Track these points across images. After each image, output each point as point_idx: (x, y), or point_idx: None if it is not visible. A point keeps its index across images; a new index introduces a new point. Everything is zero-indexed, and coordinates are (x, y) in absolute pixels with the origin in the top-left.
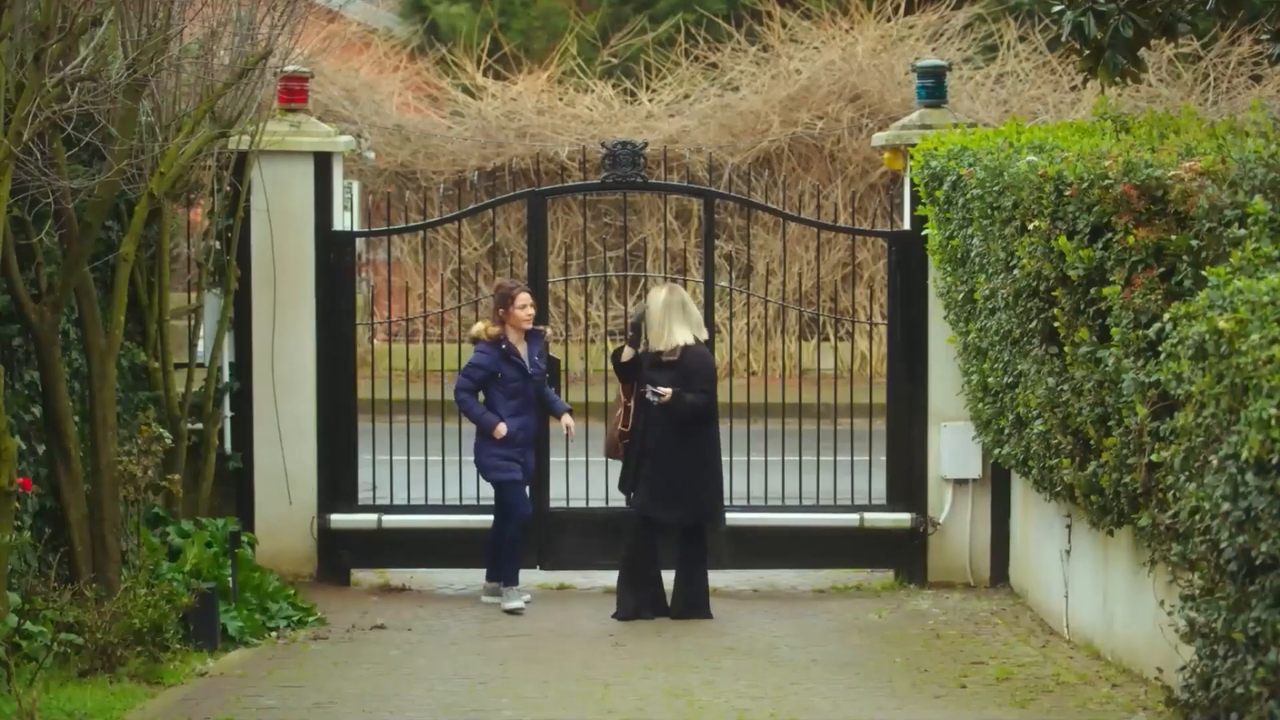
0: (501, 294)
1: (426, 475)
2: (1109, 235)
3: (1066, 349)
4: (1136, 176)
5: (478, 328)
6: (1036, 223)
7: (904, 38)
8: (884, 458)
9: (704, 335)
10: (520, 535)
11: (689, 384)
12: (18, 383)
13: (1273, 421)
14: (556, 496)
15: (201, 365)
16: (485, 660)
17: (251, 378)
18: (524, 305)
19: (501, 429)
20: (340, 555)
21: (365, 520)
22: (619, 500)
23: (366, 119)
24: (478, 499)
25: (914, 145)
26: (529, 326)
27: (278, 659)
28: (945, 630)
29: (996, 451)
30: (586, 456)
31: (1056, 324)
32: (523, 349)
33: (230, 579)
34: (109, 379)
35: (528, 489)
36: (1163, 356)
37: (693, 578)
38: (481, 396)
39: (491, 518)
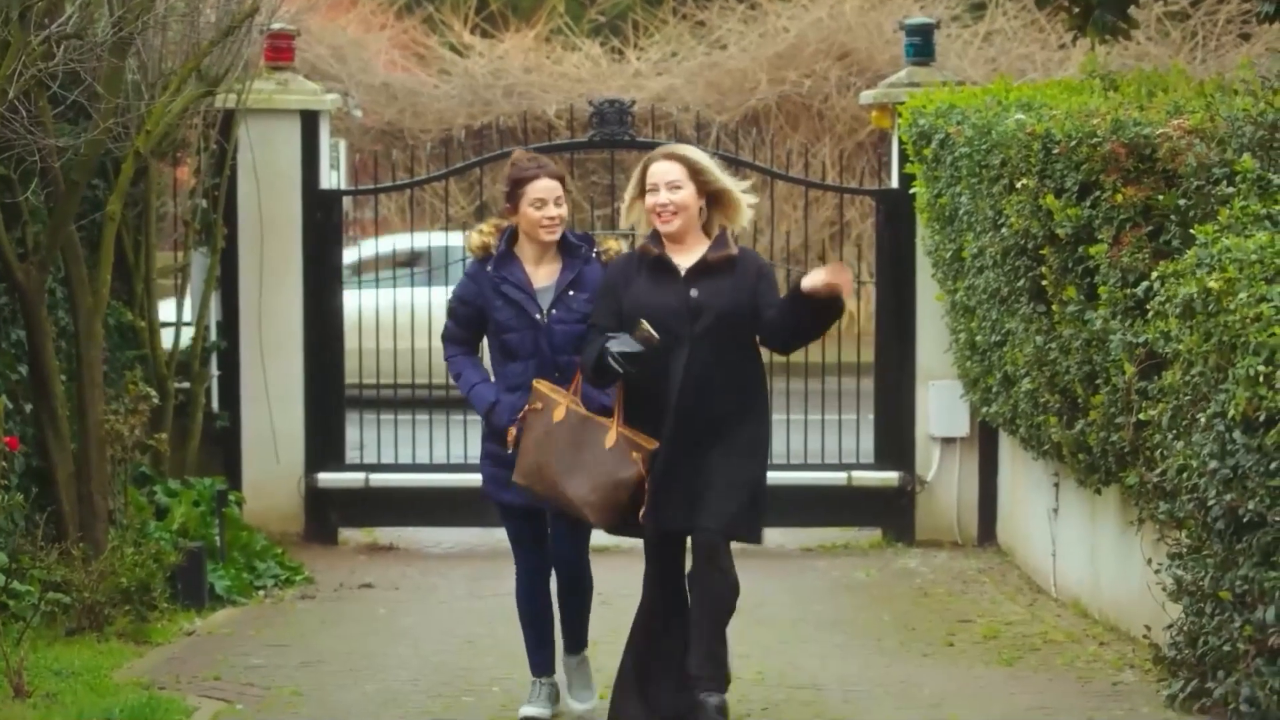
0: (512, 175)
1: (414, 434)
2: (1097, 193)
3: (1054, 307)
4: (1125, 135)
5: (473, 237)
6: (1024, 181)
7: None
8: (871, 416)
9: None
10: (535, 593)
11: (761, 296)
12: (4, 342)
13: (1260, 379)
14: None
15: (188, 324)
16: (473, 620)
17: (239, 336)
18: (543, 200)
19: (503, 414)
20: (328, 514)
21: (353, 479)
22: None
23: (353, 77)
24: (465, 458)
25: (902, 103)
26: (551, 237)
27: (265, 618)
28: (933, 589)
29: (984, 410)
30: None
31: (1044, 282)
32: (542, 277)
33: (218, 538)
34: (96, 338)
35: (548, 523)
36: (1150, 315)
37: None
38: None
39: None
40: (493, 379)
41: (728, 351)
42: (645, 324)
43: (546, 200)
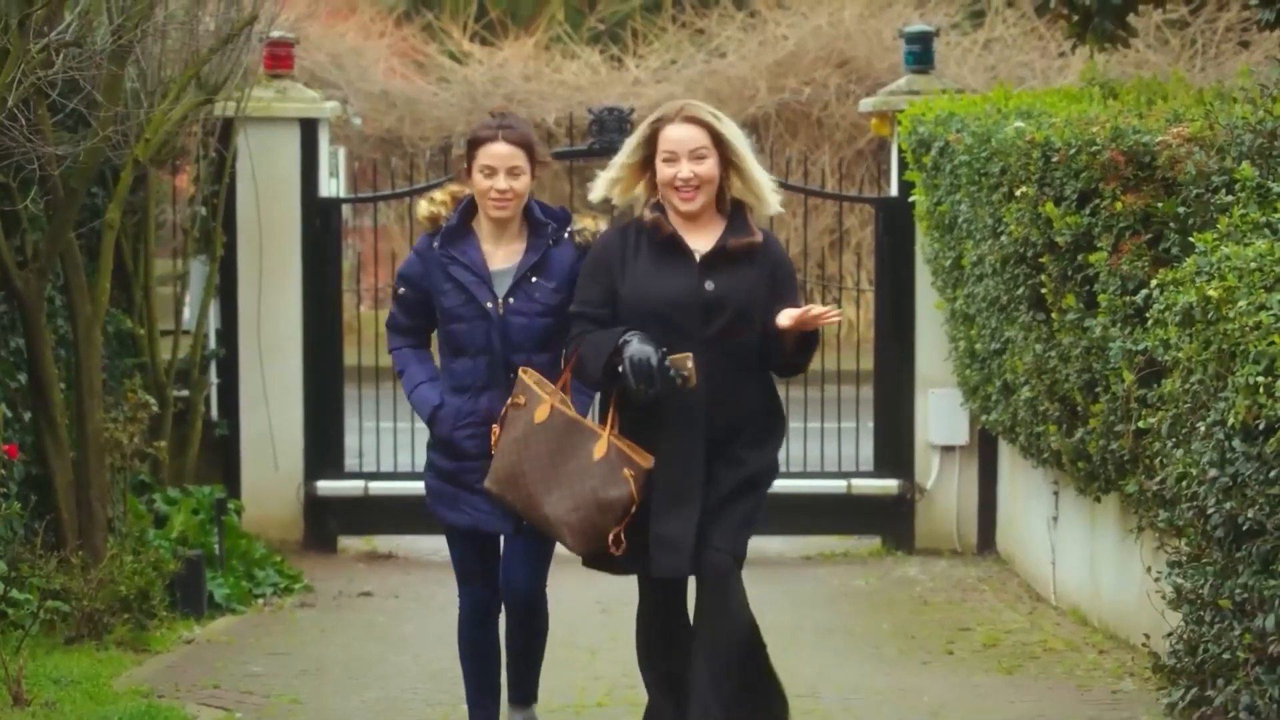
0: (469, 134)
1: (414, 442)
2: (1096, 201)
3: (1054, 315)
4: (1124, 142)
5: (422, 206)
6: (1024, 189)
7: (891, 3)
8: (871, 424)
9: None
10: (479, 635)
11: (781, 294)
12: (3, 350)
13: (1259, 388)
14: None
15: (187, 332)
16: None
17: (238, 344)
18: (491, 168)
19: (446, 421)
20: (327, 522)
21: (352, 487)
22: None
23: (353, 85)
24: None
25: (901, 111)
26: (499, 213)
27: (264, 626)
28: (932, 597)
29: (984, 418)
30: None
31: (1044, 290)
32: (501, 258)
33: (217, 546)
34: (95, 346)
35: (502, 545)
36: (1150, 323)
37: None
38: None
39: None
40: (437, 378)
41: (746, 358)
42: (690, 358)
43: (497, 170)
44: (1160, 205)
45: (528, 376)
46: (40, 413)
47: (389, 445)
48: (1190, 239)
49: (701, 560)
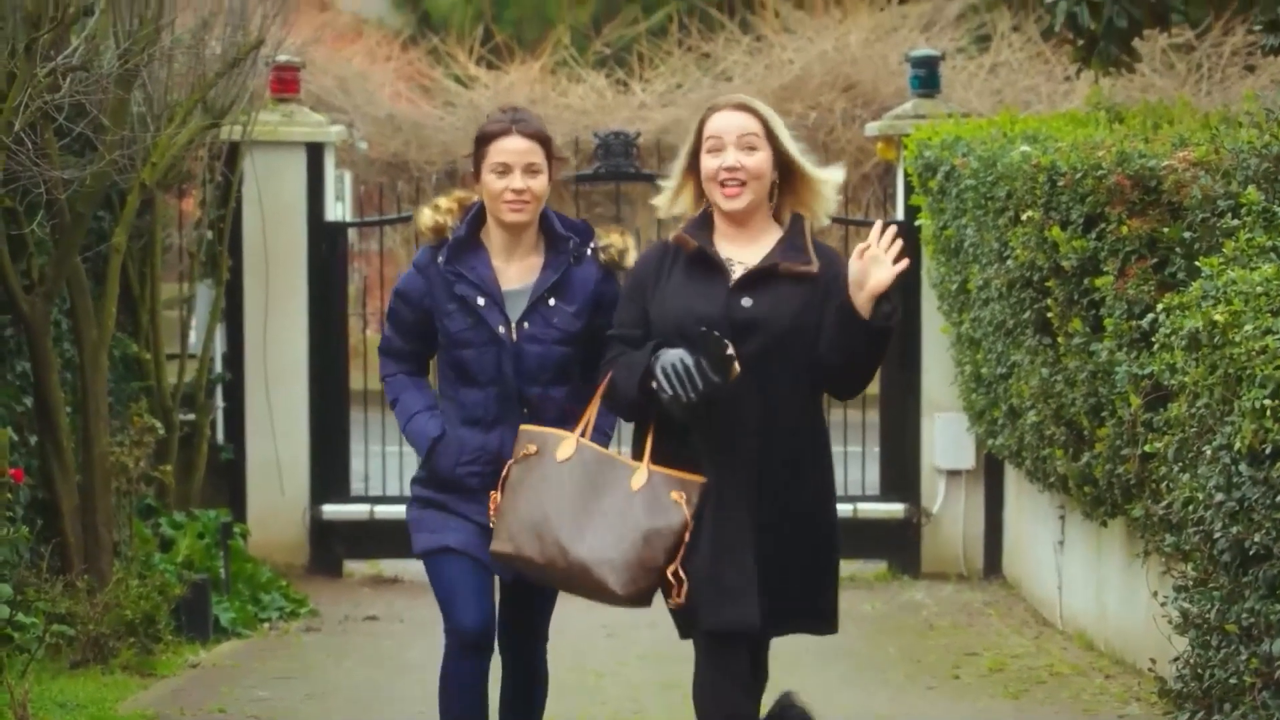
0: (478, 130)
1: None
2: (1102, 225)
3: (1060, 339)
4: (1130, 167)
5: (425, 214)
6: (1030, 213)
7: (897, 28)
8: (877, 448)
9: None
10: (468, 684)
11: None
12: (9, 374)
13: (1266, 412)
14: None
15: (193, 356)
16: None
17: (243, 368)
18: (506, 165)
19: (448, 456)
20: (332, 546)
21: (357, 511)
22: None
23: (359, 109)
24: None
25: (907, 135)
26: (515, 217)
27: (270, 650)
28: (938, 621)
29: (990, 442)
30: None
31: (1050, 315)
32: (514, 276)
33: (222, 570)
34: (101, 370)
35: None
36: (1156, 347)
37: None
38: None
39: None
40: (439, 408)
41: (793, 384)
42: (721, 340)
43: (512, 167)
44: (1166, 230)
45: (531, 428)
46: (46, 436)
47: (394, 469)
48: (1196, 263)
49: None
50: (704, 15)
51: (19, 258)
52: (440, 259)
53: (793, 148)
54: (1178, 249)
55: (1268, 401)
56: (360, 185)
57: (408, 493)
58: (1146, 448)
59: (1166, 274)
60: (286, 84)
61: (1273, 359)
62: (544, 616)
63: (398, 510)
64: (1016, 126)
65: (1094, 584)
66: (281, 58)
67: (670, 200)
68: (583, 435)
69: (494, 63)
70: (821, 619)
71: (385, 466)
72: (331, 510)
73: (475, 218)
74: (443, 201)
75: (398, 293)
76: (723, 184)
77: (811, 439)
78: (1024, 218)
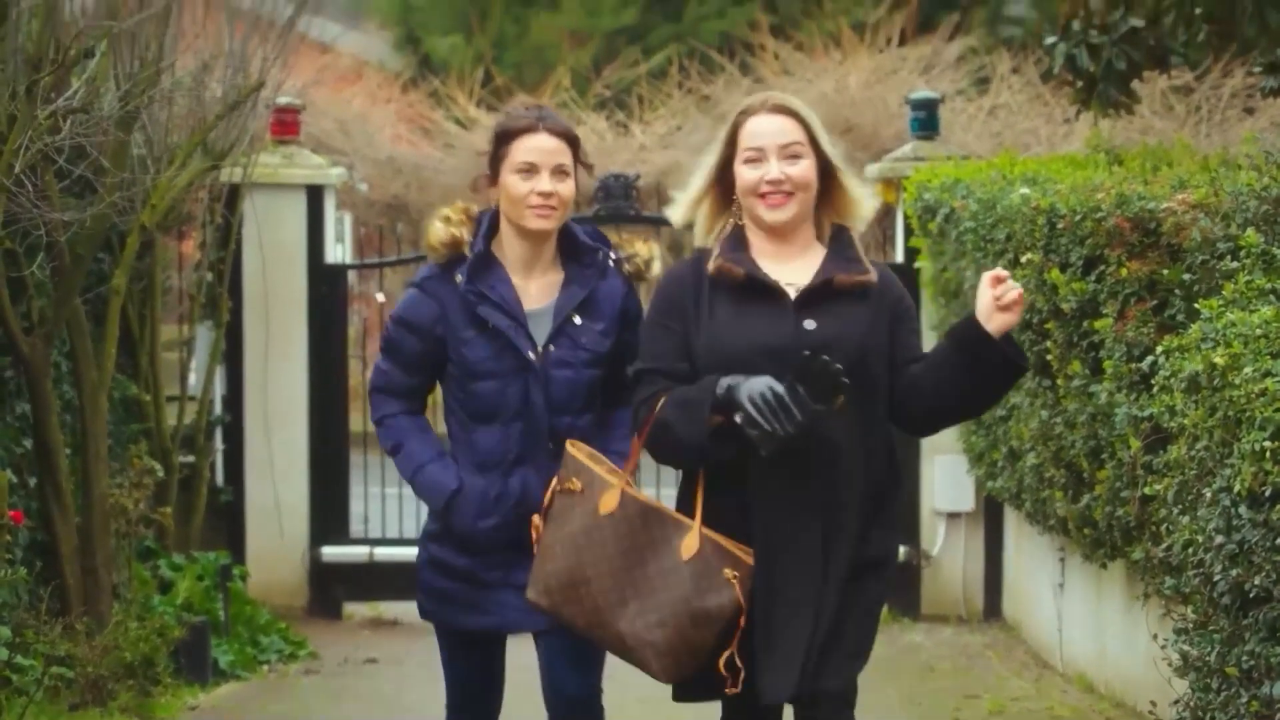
0: (497, 126)
1: (419, 508)
2: (1102, 268)
3: (1059, 382)
4: (1129, 209)
5: (436, 227)
6: (1029, 255)
7: (896, 70)
8: None
9: None
10: None
11: (901, 337)
12: (9, 415)
13: (1266, 454)
14: None
15: (193, 398)
16: None
17: (243, 410)
18: (532, 165)
19: (469, 509)
20: (332, 588)
21: (357, 553)
22: None
23: (359, 151)
24: None
25: (907, 177)
26: (542, 224)
27: (269, 692)
28: (938, 663)
29: (989, 484)
30: None
31: (1049, 357)
32: (535, 294)
33: (222, 612)
34: (101, 412)
35: (536, 643)
36: (1155, 389)
37: None
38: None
39: None
40: (449, 453)
41: (864, 417)
42: (828, 363)
43: (539, 167)
44: (1165, 272)
45: (578, 451)
46: (46, 478)
47: (394, 511)
48: (1196, 305)
49: (813, 690)
50: (704, 57)
51: (19, 300)
52: (459, 277)
53: (834, 154)
54: (1177, 291)
55: (1268, 444)
56: (360, 227)
57: (408, 534)
58: (1146, 490)
59: (1166, 316)
60: (287, 126)
61: (1272, 401)
62: (596, 663)
63: (397, 552)
64: (1016, 169)
65: (1094, 626)
66: (282, 100)
67: (688, 210)
68: (628, 481)
69: (494, 105)
70: (852, 659)
71: (385, 508)
72: (331, 552)
73: (489, 228)
74: (451, 212)
75: (400, 320)
76: (764, 195)
77: (889, 475)
78: (1023, 260)
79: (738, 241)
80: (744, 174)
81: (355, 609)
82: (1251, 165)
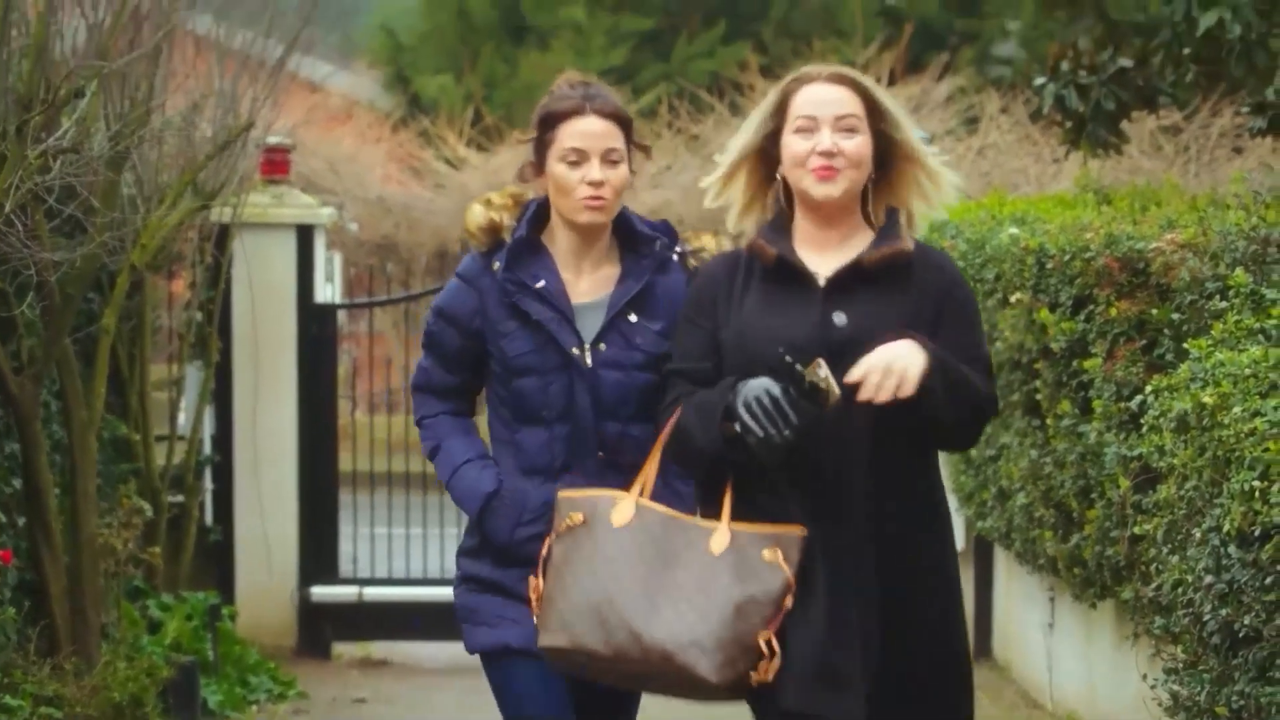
0: (542, 109)
1: (408, 547)
2: (1091, 307)
3: (1049, 421)
4: (1118, 249)
5: (475, 210)
6: (1018, 295)
7: None
8: None
9: None
10: None
11: (951, 332)
12: None
13: (1255, 494)
14: None
15: (182, 438)
16: None
17: (232, 449)
18: (582, 152)
19: (506, 518)
20: (321, 628)
21: (346, 593)
22: None
23: (349, 191)
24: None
25: None
26: (593, 217)
27: None
28: None
29: (979, 524)
30: None
31: (1038, 396)
32: (586, 287)
33: (211, 652)
34: (90, 451)
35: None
36: (1145, 429)
37: None
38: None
39: None
40: (490, 455)
41: (898, 420)
42: (821, 366)
43: (588, 154)
44: (1154, 311)
45: (570, 493)
46: (35, 518)
47: (383, 551)
48: (1184, 345)
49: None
50: (693, 97)
51: (8, 339)
52: (497, 265)
53: (909, 129)
54: (1166, 331)
55: (1257, 483)
56: (350, 267)
57: (397, 574)
58: (1136, 530)
59: (1155, 356)
60: (277, 166)
61: (1261, 441)
62: (633, 708)
63: (387, 592)
64: (1005, 208)
65: (1084, 666)
66: (272, 139)
67: (722, 184)
68: (642, 494)
69: (483, 145)
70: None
71: (374, 548)
72: (320, 592)
73: (535, 216)
74: (495, 197)
75: (440, 311)
76: (814, 169)
77: (930, 487)
78: (1012, 300)
79: (780, 226)
80: (793, 144)
81: (344, 649)
82: (1240, 205)
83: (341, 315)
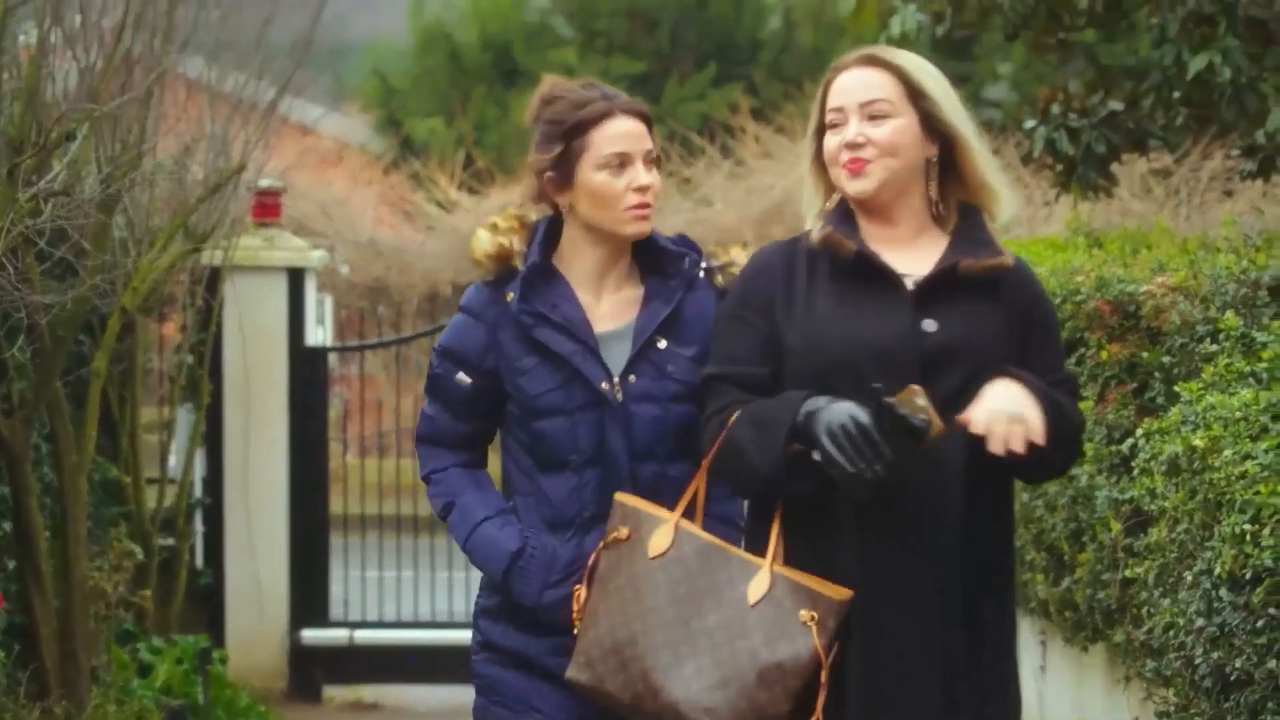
0: (553, 115)
1: (399, 590)
2: (1082, 350)
3: None
4: (1109, 292)
5: (482, 236)
6: None
7: None
8: None
9: None
10: None
11: (1033, 349)
12: None
13: (1246, 537)
14: None
15: (173, 480)
16: None
17: (223, 492)
18: (625, 155)
19: (533, 579)
20: (312, 671)
21: (337, 636)
22: None
23: (340, 234)
24: (450, 614)
25: None
26: (641, 227)
27: None
28: None
29: None
30: None
31: None
32: (608, 313)
33: (201, 696)
34: (80, 494)
35: None
36: (1136, 472)
37: None
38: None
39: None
40: (509, 510)
41: (988, 457)
42: (919, 394)
43: (633, 156)
44: (1145, 354)
45: (627, 498)
46: (25, 561)
47: (374, 594)
48: (1175, 388)
49: None
50: (684, 140)
51: None
52: (510, 295)
53: (952, 113)
54: (1157, 374)
55: (1248, 526)
56: (341, 310)
57: (387, 617)
58: (1127, 573)
59: (1146, 399)
60: (268, 209)
61: (1252, 484)
62: None
63: (377, 635)
64: None
65: (1076, 709)
66: (263, 182)
67: (810, 201)
68: (684, 517)
69: (475, 187)
70: None
71: (365, 591)
72: (311, 635)
73: (545, 241)
74: (500, 220)
75: (445, 352)
76: (842, 165)
77: (1007, 522)
78: None
79: (846, 215)
80: (827, 141)
81: (335, 692)
82: (1230, 248)
83: (333, 358)
